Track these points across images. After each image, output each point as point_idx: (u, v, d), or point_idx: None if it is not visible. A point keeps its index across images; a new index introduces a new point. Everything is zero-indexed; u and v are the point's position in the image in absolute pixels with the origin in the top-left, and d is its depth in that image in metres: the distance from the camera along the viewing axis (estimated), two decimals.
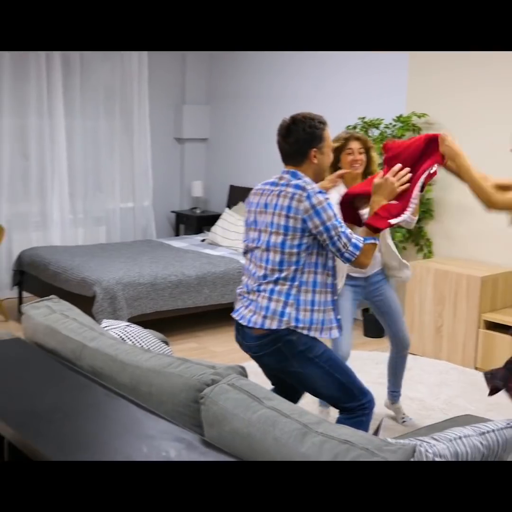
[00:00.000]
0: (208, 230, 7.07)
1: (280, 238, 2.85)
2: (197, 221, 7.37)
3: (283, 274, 2.87)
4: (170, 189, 7.71)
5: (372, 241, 2.94)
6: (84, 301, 5.23)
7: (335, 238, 2.83)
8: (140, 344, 3.27)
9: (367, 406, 2.93)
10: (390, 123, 5.70)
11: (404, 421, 4.15)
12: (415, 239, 5.80)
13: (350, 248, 2.86)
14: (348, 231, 2.88)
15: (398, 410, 4.18)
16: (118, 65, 7.05)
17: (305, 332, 2.85)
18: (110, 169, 7.16)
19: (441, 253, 5.73)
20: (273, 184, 2.96)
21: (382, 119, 5.73)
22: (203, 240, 6.79)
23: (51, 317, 3.02)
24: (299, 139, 2.92)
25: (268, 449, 2.02)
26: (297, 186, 2.85)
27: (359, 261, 2.90)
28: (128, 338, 3.25)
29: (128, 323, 3.50)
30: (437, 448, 2.07)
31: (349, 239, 2.86)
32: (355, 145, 3.71)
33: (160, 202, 7.62)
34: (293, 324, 2.85)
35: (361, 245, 2.88)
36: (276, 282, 2.87)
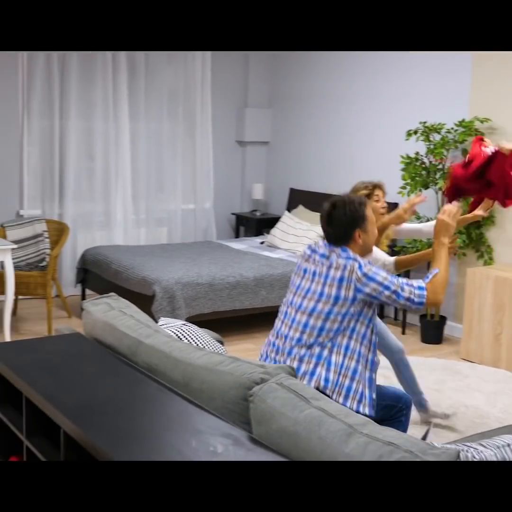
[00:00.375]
0: (268, 232, 7.13)
1: (327, 307, 2.90)
2: (257, 224, 7.44)
3: (319, 340, 2.90)
4: (231, 192, 7.80)
5: (436, 272, 2.94)
6: (144, 300, 5.35)
7: (399, 290, 2.86)
8: (195, 342, 3.34)
9: (404, 408, 2.96)
10: (452, 128, 5.66)
11: (447, 415, 4.12)
12: (476, 245, 5.74)
13: (417, 292, 2.87)
14: (405, 280, 2.90)
15: (434, 413, 4.14)
16: (181, 68, 7.18)
17: (331, 394, 2.86)
18: (172, 171, 7.30)
19: (502, 260, 5.65)
20: (323, 256, 2.99)
21: (444, 124, 5.69)
22: (262, 243, 6.85)
23: (110, 313, 3.12)
24: (342, 223, 2.98)
25: (313, 448, 2.06)
26: (348, 258, 2.91)
27: (431, 300, 2.90)
28: (184, 337, 3.33)
29: (184, 322, 3.58)
30: (484, 455, 2.07)
31: (411, 285, 2.88)
32: (380, 193, 3.81)
33: (221, 204, 7.72)
34: (322, 383, 2.87)
35: (424, 285, 2.89)
36: (310, 346, 2.91)
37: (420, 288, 2.89)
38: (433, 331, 5.79)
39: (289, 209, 7.31)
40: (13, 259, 5.75)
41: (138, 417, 2.32)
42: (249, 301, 5.70)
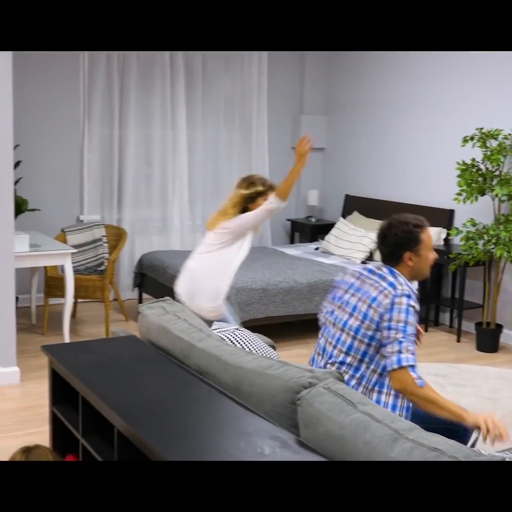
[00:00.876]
0: (322, 238, 7.15)
1: (357, 323, 2.89)
2: (311, 230, 7.47)
3: (348, 359, 2.90)
4: None
5: (427, 392, 2.74)
6: None
7: (391, 340, 2.79)
8: (247, 347, 3.39)
9: (460, 430, 2.87)
10: (509, 134, 5.59)
11: None
12: None
13: (393, 358, 2.75)
14: (407, 345, 2.77)
15: None
16: (238, 76, 7.27)
17: None
18: (228, 177, 7.38)
19: None
20: (370, 271, 2.98)
21: (501, 130, 5.63)
22: (316, 249, 6.88)
23: (164, 317, 3.20)
24: (393, 242, 2.96)
25: (359, 452, 2.09)
26: (391, 284, 2.88)
27: (392, 379, 2.78)
28: (237, 341, 3.39)
29: (237, 326, 3.64)
30: None
31: (399, 351, 2.76)
32: (272, 194, 4.14)
33: None
34: None
35: (404, 364, 2.74)
36: (340, 364, 2.92)
37: (399, 360, 2.74)
38: (488, 339, 5.73)
39: (344, 215, 7.32)
40: (73, 263, 5.91)
41: (189, 418, 2.39)
42: (302, 306, 5.74)
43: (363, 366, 2.89)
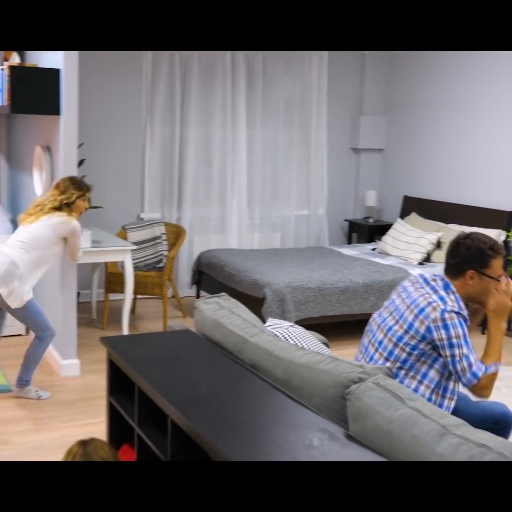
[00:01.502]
0: (380, 239, 7.14)
1: (400, 331, 2.87)
2: (369, 230, 7.46)
3: (387, 364, 2.88)
4: (344, 198, 7.86)
5: (494, 369, 2.82)
6: (254, 302, 5.50)
7: (457, 358, 2.78)
8: (301, 344, 3.43)
9: (503, 427, 2.89)
10: None
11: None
12: None
13: (468, 375, 2.78)
14: (473, 357, 2.80)
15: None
16: (298, 78, 7.32)
17: None
18: (287, 177, 7.44)
19: None
20: (425, 280, 2.94)
21: None
22: (373, 249, 6.87)
23: (219, 312, 3.27)
24: (461, 255, 2.91)
25: (406, 446, 2.11)
26: (441, 298, 2.84)
27: (476, 392, 2.80)
28: (290, 338, 3.43)
29: (291, 324, 3.68)
30: None
31: (470, 365, 2.78)
32: (90, 196, 4.36)
33: (334, 211, 7.79)
34: None
35: (480, 374, 2.78)
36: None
37: (474, 374, 2.78)
38: None
39: (402, 216, 7.29)
40: (132, 260, 6.04)
41: (240, 410, 2.45)
42: (358, 306, 5.75)
43: (402, 372, 2.87)
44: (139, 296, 6.63)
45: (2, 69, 4.65)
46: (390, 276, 5.89)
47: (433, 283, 2.91)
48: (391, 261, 6.37)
